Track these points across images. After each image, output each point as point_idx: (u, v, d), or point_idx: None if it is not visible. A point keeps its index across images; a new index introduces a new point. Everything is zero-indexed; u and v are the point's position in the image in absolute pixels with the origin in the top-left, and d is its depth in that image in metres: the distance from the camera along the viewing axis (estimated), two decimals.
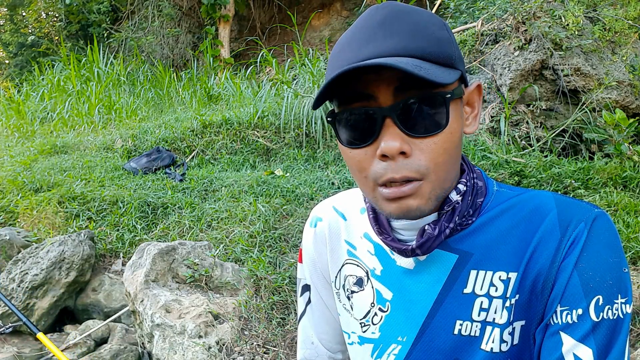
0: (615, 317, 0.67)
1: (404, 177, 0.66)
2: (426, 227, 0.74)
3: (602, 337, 0.66)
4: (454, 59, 0.68)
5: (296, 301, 0.98)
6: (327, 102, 0.72)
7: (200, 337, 2.37)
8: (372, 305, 0.84)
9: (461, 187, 0.75)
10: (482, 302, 0.74)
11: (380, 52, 0.65)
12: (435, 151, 0.67)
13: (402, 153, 0.66)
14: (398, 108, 0.65)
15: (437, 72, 0.64)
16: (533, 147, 3.70)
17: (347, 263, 0.88)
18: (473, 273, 0.75)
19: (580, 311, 0.67)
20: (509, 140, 3.79)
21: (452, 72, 0.67)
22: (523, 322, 0.73)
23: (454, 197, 0.74)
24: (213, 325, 2.45)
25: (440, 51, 0.66)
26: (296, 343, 1.02)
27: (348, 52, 0.68)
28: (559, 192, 3.18)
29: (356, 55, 0.66)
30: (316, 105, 0.69)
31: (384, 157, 0.66)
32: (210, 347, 2.35)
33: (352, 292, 0.87)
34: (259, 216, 3.30)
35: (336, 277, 0.90)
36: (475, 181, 0.77)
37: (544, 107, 3.95)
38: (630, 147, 3.41)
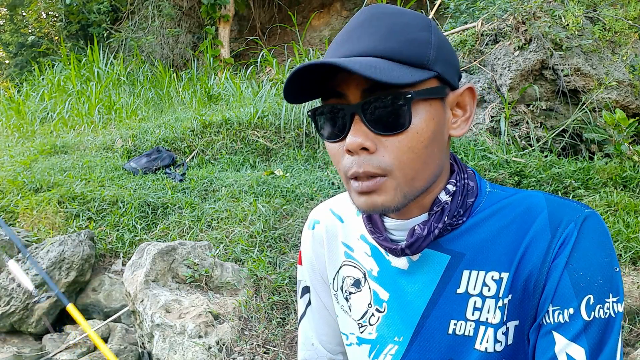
0: (606, 316, 0.67)
1: (366, 172, 0.68)
2: (416, 228, 0.75)
3: (594, 336, 0.67)
4: (427, 60, 0.68)
5: (296, 302, 0.98)
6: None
7: (200, 337, 2.37)
8: (370, 305, 0.85)
9: (450, 187, 0.76)
10: (475, 301, 0.75)
11: (352, 52, 0.68)
12: (399, 149, 0.68)
13: (365, 149, 0.68)
14: (363, 106, 0.68)
15: (398, 73, 0.65)
16: (533, 147, 3.70)
17: (344, 265, 0.89)
18: (466, 273, 0.76)
19: (571, 311, 0.68)
20: (509, 140, 3.79)
21: (421, 73, 0.68)
22: (517, 322, 0.73)
23: (443, 197, 0.75)
24: (213, 325, 2.45)
25: (410, 52, 0.67)
26: (296, 343, 1.02)
27: (330, 50, 0.72)
28: (559, 192, 3.18)
29: (333, 54, 0.70)
30: (287, 97, 0.72)
31: (349, 151, 0.69)
32: (210, 347, 2.35)
33: (350, 293, 0.88)
34: (259, 216, 3.30)
35: (334, 278, 0.91)
36: (466, 181, 0.78)
37: (544, 107, 3.95)
38: (630, 147, 3.41)
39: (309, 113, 0.75)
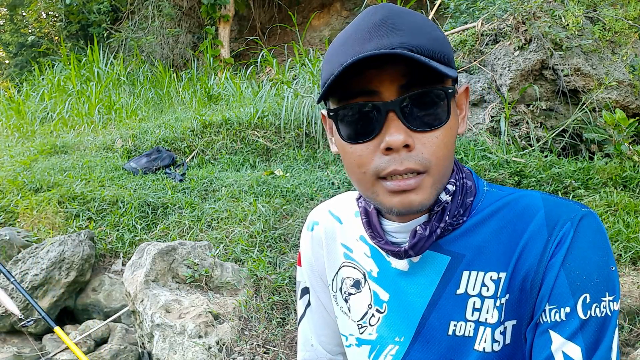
0: (603, 315, 0.67)
1: (407, 169, 0.67)
2: (417, 228, 0.75)
3: (590, 335, 0.67)
4: (450, 59, 0.70)
5: (296, 302, 0.98)
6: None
7: (200, 337, 2.37)
8: (370, 306, 0.84)
9: (450, 187, 0.76)
10: (474, 302, 0.75)
11: (383, 47, 0.65)
12: (437, 145, 0.68)
13: (406, 146, 0.67)
14: (402, 102, 0.67)
15: (441, 67, 0.66)
16: (533, 147, 3.70)
17: (344, 266, 0.89)
18: (465, 274, 0.76)
19: (568, 309, 0.68)
20: (509, 140, 3.79)
21: (451, 70, 0.69)
22: (514, 322, 0.73)
23: (444, 197, 0.75)
24: (213, 325, 2.45)
25: (439, 49, 0.68)
26: (296, 343, 1.02)
27: (349, 47, 0.68)
28: (559, 192, 3.18)
29: (359, 50, 0.66)
30: (321, 98, 0.70)
31: (388, 150, 0.67)
32: (210, 347, 2.35)
33: (350, 294, 0.87)
34: (259, 216, 3.30)
35: (333, 279, 0.91)
36: (464, 181, 0.78)
37: (544, 107, 3.95)
38: (630, 147, 3.41)
39: (331, 114, 0.72)
